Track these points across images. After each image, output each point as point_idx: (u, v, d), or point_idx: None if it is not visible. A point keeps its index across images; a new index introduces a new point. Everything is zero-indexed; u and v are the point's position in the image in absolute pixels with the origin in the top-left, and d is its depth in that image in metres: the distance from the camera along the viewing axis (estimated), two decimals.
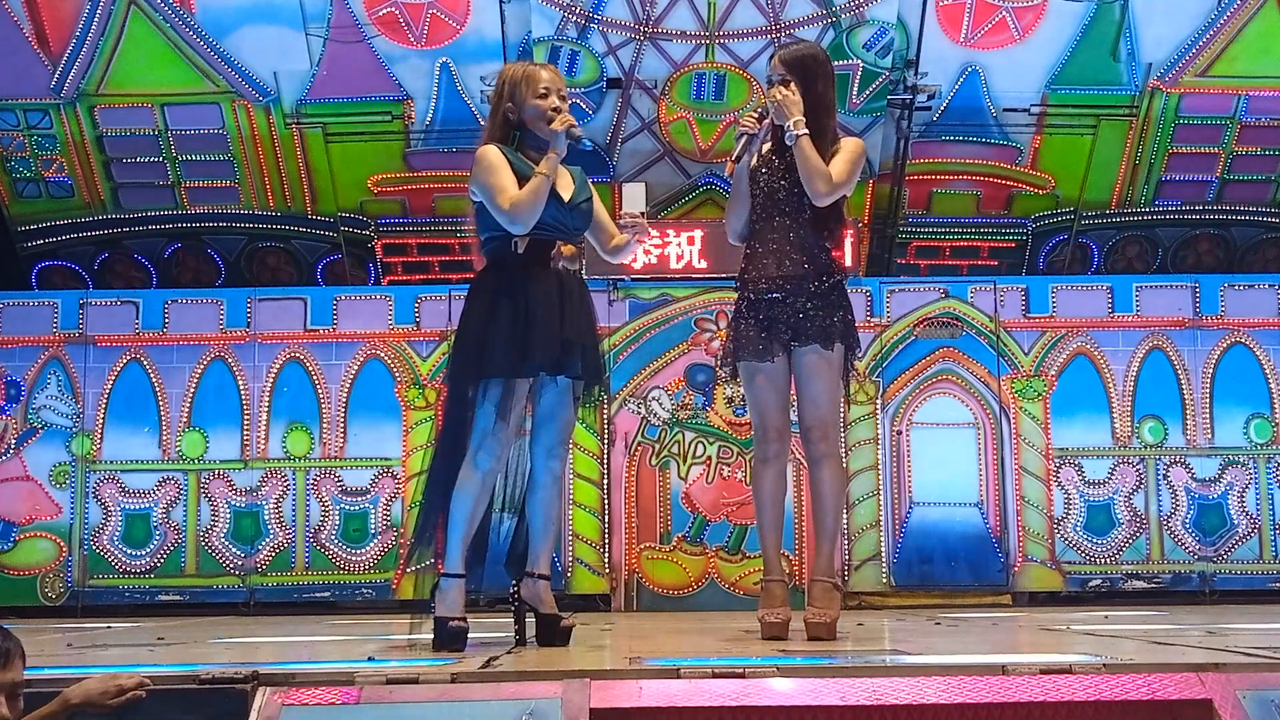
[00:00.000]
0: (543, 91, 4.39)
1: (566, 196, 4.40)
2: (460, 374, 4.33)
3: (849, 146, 4.68)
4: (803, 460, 4.89)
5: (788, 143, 4.57)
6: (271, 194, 9.30)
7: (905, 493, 8.50)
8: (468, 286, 4.52)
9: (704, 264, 8.62)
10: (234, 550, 8.53)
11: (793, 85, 4.61)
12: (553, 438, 4.46)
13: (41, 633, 5.84)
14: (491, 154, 4.30)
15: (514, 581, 4.45)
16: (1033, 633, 5.40)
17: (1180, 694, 3.18)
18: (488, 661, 3.61)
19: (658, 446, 8.54)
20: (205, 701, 3.12)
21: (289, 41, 8.78)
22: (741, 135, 4.64)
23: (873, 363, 8.52)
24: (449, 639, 4.18)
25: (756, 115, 4.67)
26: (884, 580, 8.41)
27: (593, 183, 4.70)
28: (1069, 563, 8.49)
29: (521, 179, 4.28)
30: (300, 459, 8.60)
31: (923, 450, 8.54)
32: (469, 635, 4.23)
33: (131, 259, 9.40)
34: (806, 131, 4.54)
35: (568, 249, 4.46)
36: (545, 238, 4.36)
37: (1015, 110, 9.11)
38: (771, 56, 4.79)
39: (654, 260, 8.65)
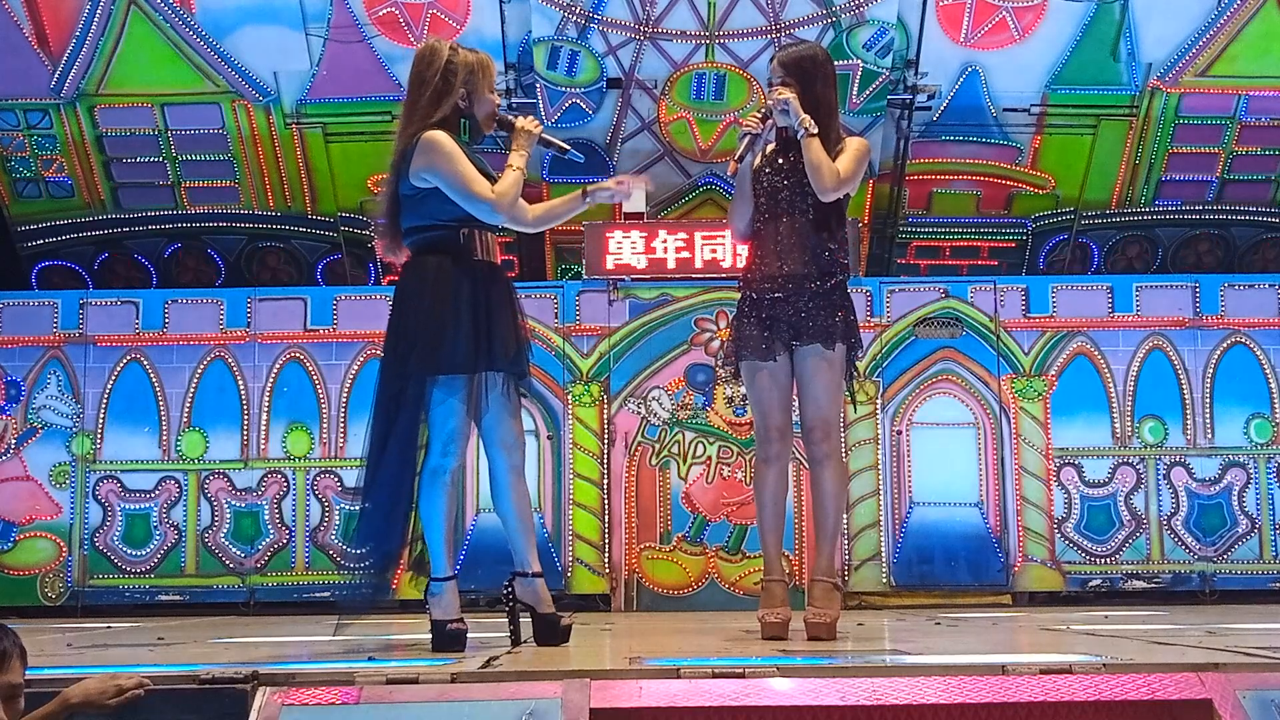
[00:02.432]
0: (495, 87, 4.40)
1: None
2: (416, 369, 4.19)
3: (854, 145, 4.69)
4: (804, 460, 4.89)
5: (798, 139, 4.57)
6: (271, 194, 9.30)
7: (905, 493, 8.50)
8: (399, 278, 4.40)
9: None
10: (234, 550, 8.53)
11: (794, 86, 4.62)
12: (508, 434, 4.36)
13: (41, 633, 5.84)
14: (446, 140, 4.20)
15: (508, 581, 4.39)
16: (1033, 633, 5.40)
17: (1180, 694, 3.18)
18: (487, 661, 3.61)
19: (658, 446, 8.54)
20: (205, 701, 3.12)
21: (289, 41, 8.78)
22: (745, 135, 4.64)
23: (873, 363, 8.52)
24: (448, 641, 4.16)
25: (760, 115, 4.67)
26: (884, 580, 8.41)
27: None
28: (1069, 563, 8.48)
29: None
30: (300, 459, 8.60)
31: (923, 450, 8.53)
32: (467, 636, 4.22)
33: (131, 259, 9.41)
34: (817, 130, 4.55)
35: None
36: (483, 228, 4.33)
37: (1015, 110, 9.11)
38: (772, 58, 4.80)
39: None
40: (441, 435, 4.23)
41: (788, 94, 4.57)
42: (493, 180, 4.28)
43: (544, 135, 4.44)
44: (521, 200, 4.39)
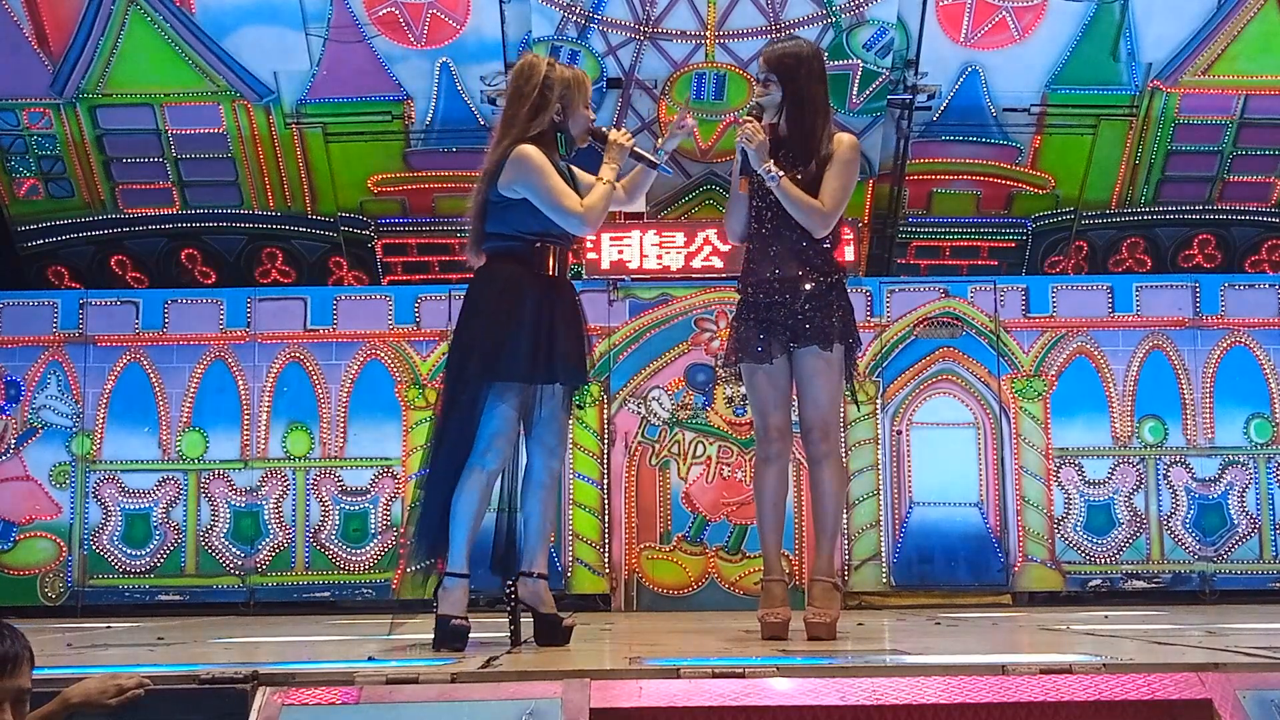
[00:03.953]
0: (590, 100, 4.46)
1: None
2: (474, 374, 4.27)
3: (841, 154, 4.62)
4: (803, 460, 4.89)
5: (769, 185, 4.55)
6: (271, 194, 9.30)
7: (905, 493, 8.50)
8: (470, 283, 4.47)
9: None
10: (234, 550, 8.53)
11: (755, 124, 4.57)
12: (553, 438, 4.44)
13: (41, 633, 5.83)
14: (537, 155, 4.27)
15: (510, 581, 4.42)
16: (1033, 633, 5.40)
17: (1180, 694, 3.18)
18: (488, 661, 3.61)
19: (658, 446, 8.54)
20: (205, 701, 3.12)
21: (289, 41, 8.78)
22: (743, 140, 4.61)
23: (873, 363, 8.52)
24: (450, 637, 4.17)
25: (755, 117, 4.65)
26: (884, 580, 8.41)
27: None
28: (1069, 563, 8.48)
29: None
30: (300, 459, 8.60)
31: (923, 450, 8.54)
32: (469, 635, 4.23)
33: (131, 259, 9.40)
34: (782, 174, 4.53)
35: None
36: (556, 244, 4.39)
37: (1015, 110, 9.11)
38: (759, 54, 4.79)
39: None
40: (485, 436, 4.28)
41: (758, 139, 4.54)
42: (580, 194, 4.35)
43: (635, 148, 4.49)
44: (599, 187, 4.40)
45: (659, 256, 8.63)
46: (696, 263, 8.62)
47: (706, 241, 8.65)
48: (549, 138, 4.37)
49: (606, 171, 4.39)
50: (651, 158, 4.60)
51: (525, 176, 4.26)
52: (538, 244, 4.35)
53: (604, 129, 4.50)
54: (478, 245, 4.44)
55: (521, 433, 4.43)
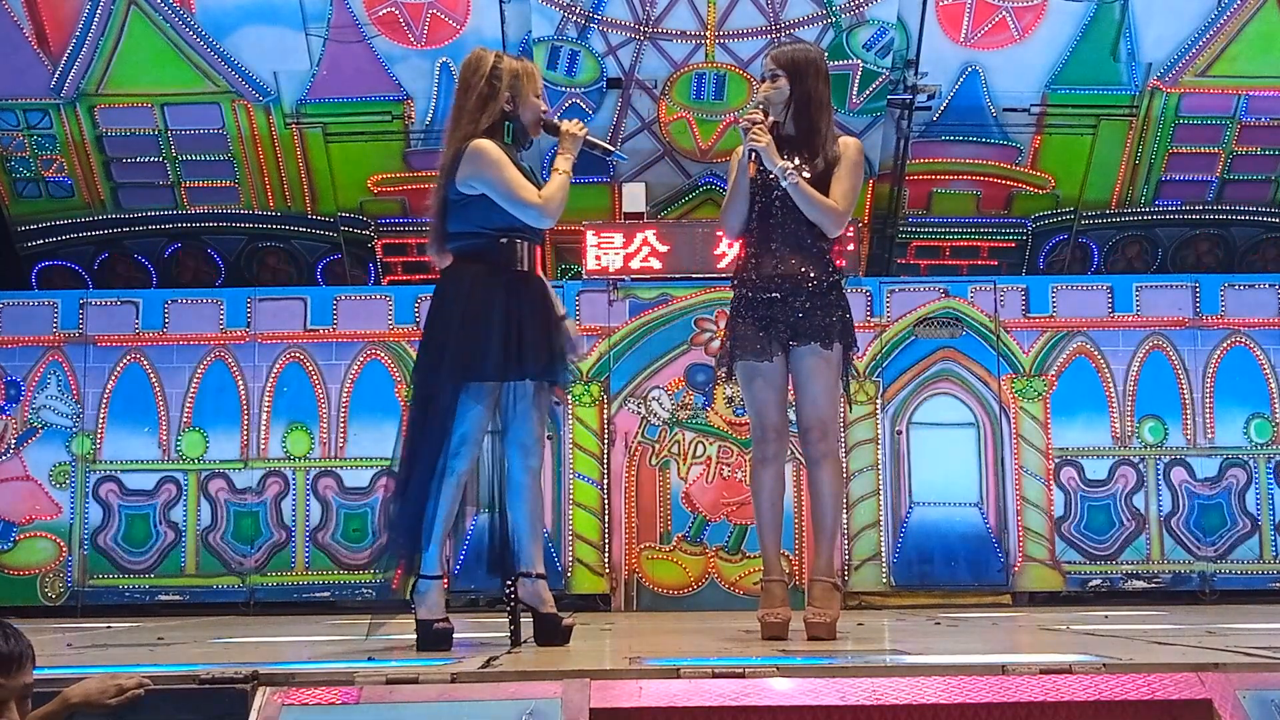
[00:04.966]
0: (541, 91, 4.42)
1: None
2: (448, 378, 4.23)
3: (848, 156, 4.64)
4: (802, 460, 4.89)
5: (785, 185, 4.55)
6: (271, 194, 9.31)
7: (905, 493, 8.49)
8: (437, 284, 4.43)
9: None
10: (234, 550, 8.53)
11: (763, 125, 4.58)
12: (529, 436, 4.40)
13: (41, 633, 5.83)
14: (493, 148, 4.24)
15: (510, 582, 4.40)
16: (1033, 633, 5.40)
17: (1180, 694, 3.18)
18: (488, 661, 3.61)
19: (658, 446, 8.54)
20: (205, 701, 3.12)
21: (289, 41, 8.78)
22: (746, 128, 4.61)
23: (873, 363, 8.52)
24: (435, 641, 4.17)
25: (760, 110, 4.65)
26: (884, 580, 8.41)
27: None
28: (1069, 563, 8.48)
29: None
30: (300, 459, 8.60)
31: (923, 450, 8.53)
32: (460, 635, 4.22)
33: (131, 259, 9.41)
34: (798, 176, 4.53)
35: None
36: (522, 238, 4.36)
37: (1015, 110, 9.12)
38: (766, 53, 4.79)
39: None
40: (455, 437, 4.25)
41: (764, 140, 4.54)
42: (538, 186, 4.31)
43: (589, 138, 4.46)
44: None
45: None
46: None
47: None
48: (499, 129, 4.32)
49: (562, 163, 4.34)
50: (605, 145, 4.59)
51: (480, 170, 4.22)
52: (503, 239, 4.30)
53: (556, 120, 4.46)
54: (440, 244, 4.39)
55: (501, 433, 4.40)
